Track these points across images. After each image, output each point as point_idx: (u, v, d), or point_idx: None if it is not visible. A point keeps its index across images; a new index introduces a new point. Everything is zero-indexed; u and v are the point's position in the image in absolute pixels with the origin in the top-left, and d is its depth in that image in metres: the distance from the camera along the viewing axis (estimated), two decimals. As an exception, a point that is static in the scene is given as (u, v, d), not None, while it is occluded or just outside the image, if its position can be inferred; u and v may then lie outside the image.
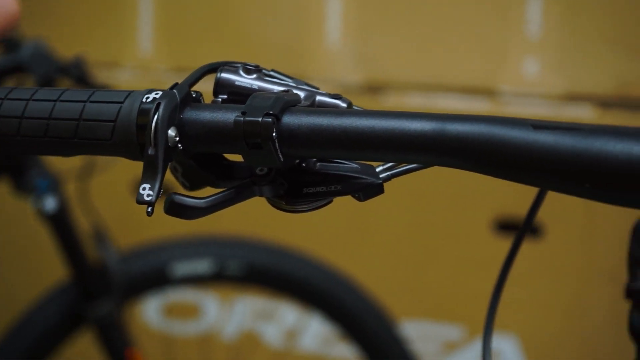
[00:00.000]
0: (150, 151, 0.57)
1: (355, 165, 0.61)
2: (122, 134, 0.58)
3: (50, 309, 1.65)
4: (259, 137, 0.56)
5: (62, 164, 1.72)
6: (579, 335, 1.86)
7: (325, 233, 1.95)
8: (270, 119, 0.56)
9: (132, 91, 0.60)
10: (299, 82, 0.62)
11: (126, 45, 2.04)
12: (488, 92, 1.83)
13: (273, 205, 0.62)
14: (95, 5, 2.06)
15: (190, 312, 2.08)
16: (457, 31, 1.84)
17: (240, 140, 0.57)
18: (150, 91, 0.59)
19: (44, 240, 1.67)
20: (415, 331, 1.94)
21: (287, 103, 0.58)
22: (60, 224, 1.57)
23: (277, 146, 0.56)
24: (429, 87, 1.86)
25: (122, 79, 2.01)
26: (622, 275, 1.91)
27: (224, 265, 1.68)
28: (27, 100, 0.61)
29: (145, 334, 2.05)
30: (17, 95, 0.62)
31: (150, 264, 1.68)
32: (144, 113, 0.58)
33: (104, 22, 2.05)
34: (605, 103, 1.78)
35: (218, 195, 0.60)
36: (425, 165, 0.60)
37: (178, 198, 0.59)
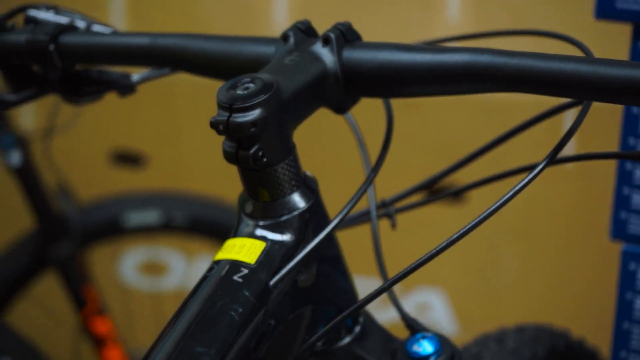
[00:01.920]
0: None
1: (117, 73, 0.85)
2: None
3: (19, 252, 1.91)
4: (41, 51, 0.80)
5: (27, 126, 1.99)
6: (494, 285, 2.08)
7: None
8: (46, 38, 0.80)
9: None
10: (86, 17, 0.86)
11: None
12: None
13: (65, 100, 0.86)
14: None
15: (160, 269, 2.33)
16: (387, 14, 2.07)
17: (32, 54, 0.81)
18: None
19: (11, 192, 1.93)
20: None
21: (62, 28, 0.81)
22: (26, 177, 1.83)
23: (54, 57, 0.80)
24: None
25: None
26: (527, 233, 2.14)
27: (170, 216, 1.92)
28: None
29: (119, 289, 2.30)
30: None
31: (105, 214, 1.93)
32: None
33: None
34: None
35: (23, 94, 0.85)
36: (157, 73, 0.84)
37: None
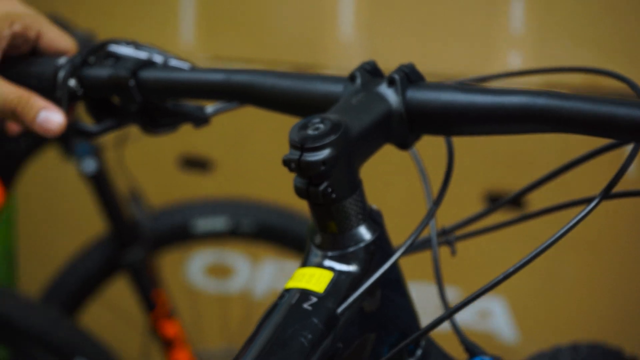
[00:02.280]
0: (58, 94, 0.88)
1: (191, 106, 0.90)
2: (46, 84, 0.89)
3: (92, 256, 1.98)
4: (122, 86, 0.86)
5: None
6: (555, 294, 2.10)
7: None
8: (127, 74, 0.85)
9: (54, 58, 0.91)
10: (163, 52, 0.91)
11: (168, 35, 2.35)
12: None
13: (143, 130, 0.91)
14: None
15: (226, 272, 2.39)
16: (454, 25, 2.10)
17: (113, 88, 0.87)
18: (63, 58, 0.89)
19: (86, 198, 2.00)
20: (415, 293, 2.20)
21: (141, 64, 0.87)
22: (100, 184, 1.90)
23: (134, 91, 0.86)
24: (436, 76, 2.12)
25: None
26: (590, 243, 2.15)
27: (238, 222, 1.98)
28: None
29: (187, 291, 2.37)
30: None
31: (175, 220, 1.99)
32: (57, 69, 0.88)
33: (148, 13, 2.37)
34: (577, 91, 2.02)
35: (104, 125, 0.90)
36: (230, 106, 0.89)
37: (79, 123, 0.90)
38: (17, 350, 1.72)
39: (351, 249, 0.71)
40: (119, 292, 2.08)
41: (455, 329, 0.79)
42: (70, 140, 1.88)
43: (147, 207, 1.97)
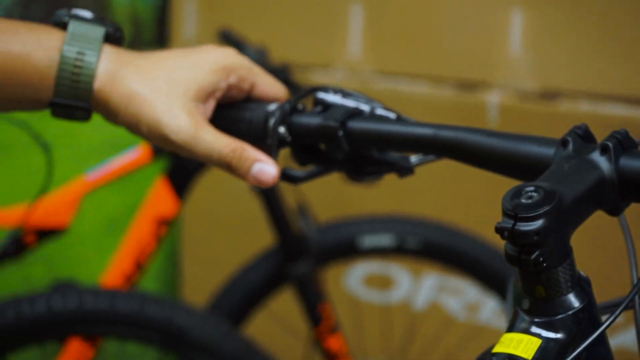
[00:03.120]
0: (269, 141, 0.90)
1: (396, 155, 0.91)
2: (255, 130, 0.92)
3: (260, 268, 2.02)
4: (331, 135, 0.88)
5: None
6: None
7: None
8: (337, 124, 0.87)
9: (263, 103, 0.93)
10: (369, 99, 0.92)
11: (337, 49, 2.38)
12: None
13: (349, 178, 0.93)
14: (311, 13, 2.42)
15: (385, 283, 2.41)
16: (623, 47, 2.06)
17: (322, 136, 0.89)
18: (273, 104, 0.92)
19: (254, 211, 2.05)
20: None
21: (350, 113, 0.88)
22: (270, 198, 1.94)
23: (342, 141, 0.88)
24: (597, 96, 2.08)
25: (333, 80, 2.36)
26: None
27: (403, 240, 1.99)
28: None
29: (346, 300, 2.40)
30: None
31: (342, 235, 2.02)
32: (267, 115, 0.91)
33: (318, 28, 2.41)
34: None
35: (310, 171, 0.93)
36: (434, 157, 0.90)
37: (287, 169, 0.92)
38: (186, 359, 1.78)
39: (559, 316, 0.71)
40: (285, 304, 2.12)
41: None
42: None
43: (314, 222, 2.00)
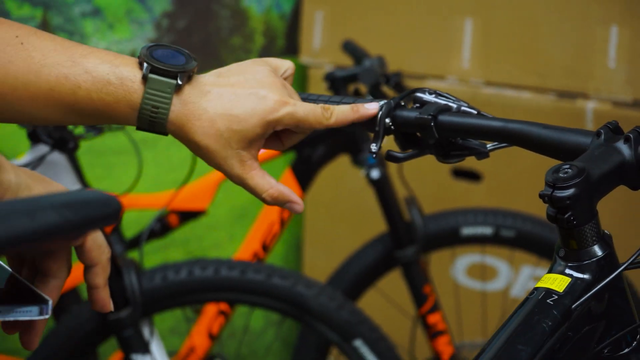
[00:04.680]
0: (377, 127, 1.16)
1: (476, 142, 1.16)
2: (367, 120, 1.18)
3: (372, 251, 2.29)
4: (424, 126, 1.13)
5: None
6: None
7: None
8: (429, 117, 1.13)
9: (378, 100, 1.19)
10: (457, 99, 1.17)
11: (449, 61, 2.63)
12: None
13: (438, 159, 1.18)
14: (426, 28, 2.67)
15: (486, 273, 2.65)
16: None
17: (417, 127, 1.14)
18: (380, 100, 1.18)
19: (368, 201, 2.31)
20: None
21: (440, 109, 1.14)
22: (382, 189, 2.21)
23: (433, 130, 1.13)
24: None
25: (445, 89, 2.61)
26: None
27: (499, 230, 2.23)
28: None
29: (451, 287, 2.64)
30: None
31: (445, 225, 2.27)
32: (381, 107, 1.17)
33: (433, 42, 2.66)
34: None
35: (408, 153, 1.18)
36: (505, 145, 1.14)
37: (391, 152, 1.18)
38: (307, 326, 2.05)
39: (586, 262, 0.95)
40: (394, 285, 2.38)
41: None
42: (360, 151, 2.20)
43: (421, 213, 2.26)
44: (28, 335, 0.84)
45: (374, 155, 1.14)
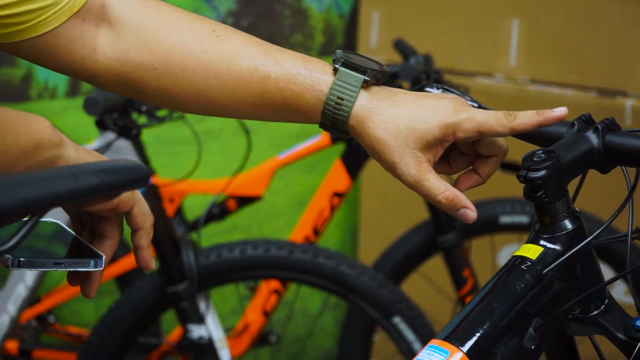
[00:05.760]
0: None
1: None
2: None
3: (415, 237, 2.45)
4: None
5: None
6: None
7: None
8: None
9: None
10: (462, 93, 1.31)
11: (496, 59, 2.77)
12: None
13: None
14: (474, 27, 2.82)
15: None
16: None
17: None
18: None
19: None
20: None
21: None
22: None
23: None
24: None
25: (492, 85, 2.75)
26: None
27: (536, 220, 2.37)
28: None
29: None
30: None
31: (485, 213, 2.41)
32: None
33: (483, 40, 2.81)
34: None
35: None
36: None
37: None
38: (350, 303, 2.21)
39: (557, 234, 1.10)
40: (436, 268, 2.53)
41: (633, 290, 1.15)
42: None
43: (463, 201, 2.41)
44: (87, 286, 1.00)
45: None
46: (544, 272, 1.09)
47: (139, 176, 0.85)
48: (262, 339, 2.58)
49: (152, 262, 1.04)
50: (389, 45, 2.82)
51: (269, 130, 3.11)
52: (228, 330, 2.44)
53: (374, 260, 2.54)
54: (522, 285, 1.08)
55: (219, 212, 2.45)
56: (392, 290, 2.15)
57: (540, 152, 1.09)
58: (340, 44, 3.23)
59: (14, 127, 0.86)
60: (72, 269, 0.96)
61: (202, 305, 2.11)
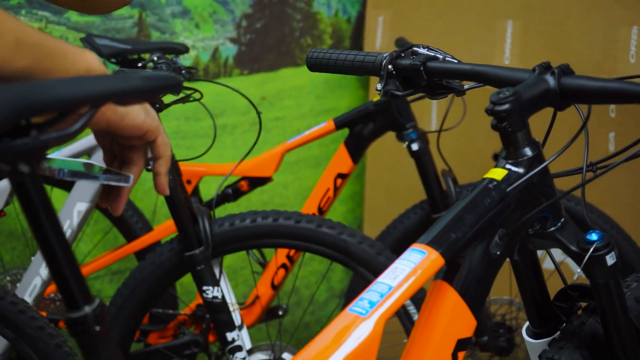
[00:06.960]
0: (382, 72, 1.52)
1: (456, 83, 1.50)
2: (376, 66, 1.54)
3: (412, 215, 2.65)
4: (416, 70, 1.49)
5: (427, 127, 2.72)
6: None
7: None
8: (419, 64, 1.48)
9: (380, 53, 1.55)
10: (445, 53, 1.51)
11: (492, 57, 2.98)
12: None
13: (428, 97, 1.53)
14: (474, 28, 3.03)
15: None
16: None
17: (411, 71, 1.50)
18: (386, 53, 1.54)
19: (412, 171, 2.67)
20: None
21: (429, 58, 1.49)
22: (421, 160, 2.57)
23: (422, 73, 1.48)
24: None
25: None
26: None
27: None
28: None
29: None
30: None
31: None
32: (382, 59, 1.53)
33: (480, 40, 3.02)
34: None
35: (406, 92, 1.54)
36: (476, 85, 1.50)
37: (392, 91, 1.53)
38: (352, 270, 2.40)
39: (520, 159, 1.30)
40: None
41: (584, 204, 1.36)
42: (404, 128, 2.56)
43: (456, 183, 2.61)
44: (116, 203, 1.21)
45: (380, 92, 1.49)
46: (508, 190, 1.29)
47: (173, 83, 1.06)
48: (271, 312, 2.78)
49: (167, 188, 1.24)
50: (392, 46, 3.05)
51: (280, 127, 3.33)
52: (241, 304, 2.64)
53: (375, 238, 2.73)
54: (489, 201, 1.28)
55: (232, 193, 2.66)
56: (389, 257, 2.33)
57: (505, 90, 1.29)
58: (347, 46, 3.45)
59: (73, 54, 1.07)
60: (107, 182, 1.17)
61: (216, 271, 2.29)
